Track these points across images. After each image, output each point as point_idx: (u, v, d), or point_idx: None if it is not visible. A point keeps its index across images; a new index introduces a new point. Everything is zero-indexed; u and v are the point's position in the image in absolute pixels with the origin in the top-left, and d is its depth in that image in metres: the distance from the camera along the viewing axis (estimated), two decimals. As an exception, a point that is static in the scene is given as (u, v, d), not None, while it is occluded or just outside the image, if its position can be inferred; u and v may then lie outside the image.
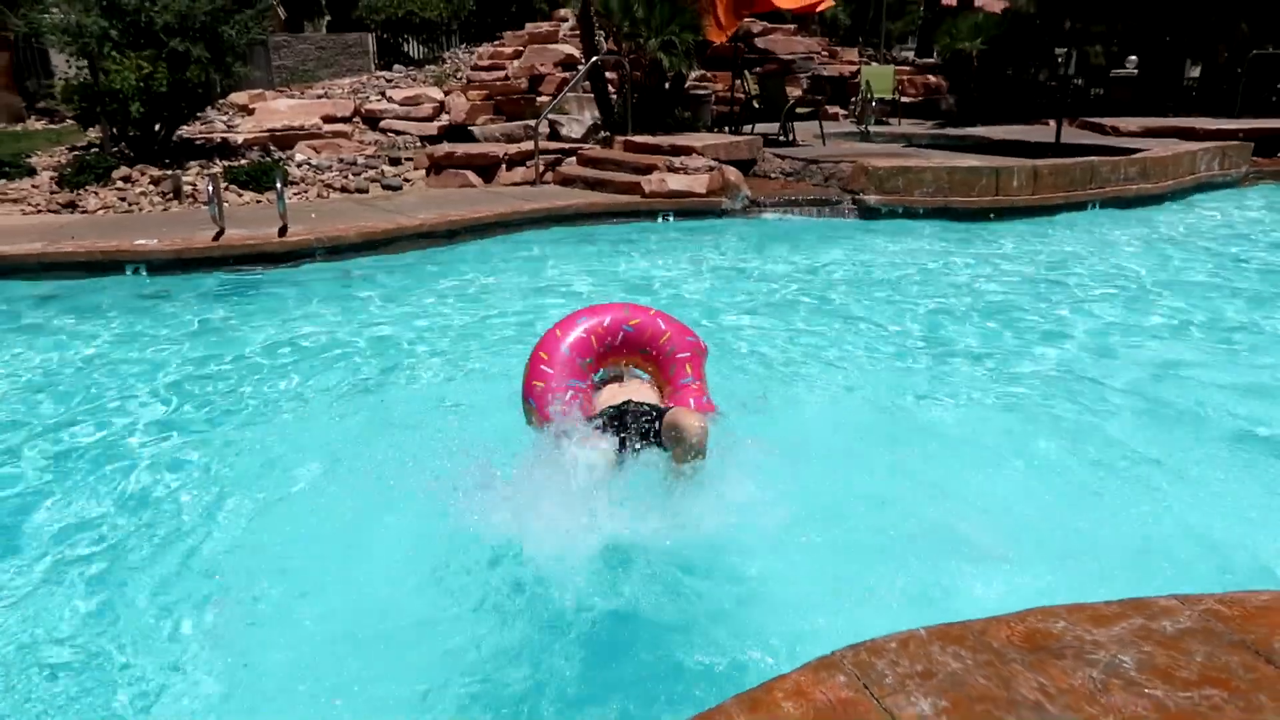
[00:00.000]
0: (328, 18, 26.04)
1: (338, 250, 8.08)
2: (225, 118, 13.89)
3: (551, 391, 3.52)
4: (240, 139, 12.42)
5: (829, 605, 2.80)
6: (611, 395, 3.66)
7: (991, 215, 10.00)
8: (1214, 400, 4.88)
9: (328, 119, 13.93)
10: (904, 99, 17.34)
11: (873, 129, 14.77)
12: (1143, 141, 12.83)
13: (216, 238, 7.90)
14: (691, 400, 3.71)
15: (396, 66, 17.42)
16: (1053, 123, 13.28)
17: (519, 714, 2.55)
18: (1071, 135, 13.68)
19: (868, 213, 10.06)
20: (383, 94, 15.24)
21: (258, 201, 10.03)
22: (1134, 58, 20.34)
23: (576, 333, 3.70)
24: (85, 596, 3.16)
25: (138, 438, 4.51)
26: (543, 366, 3.58)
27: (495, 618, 2.84)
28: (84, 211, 9.53)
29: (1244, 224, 10.09)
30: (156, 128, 11.06)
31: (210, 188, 7.87)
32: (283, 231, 8.06)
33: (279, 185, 8.15)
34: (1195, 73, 22.24)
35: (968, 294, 7.21)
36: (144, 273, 7.61)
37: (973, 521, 3.39)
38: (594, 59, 12.28)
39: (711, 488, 3.21)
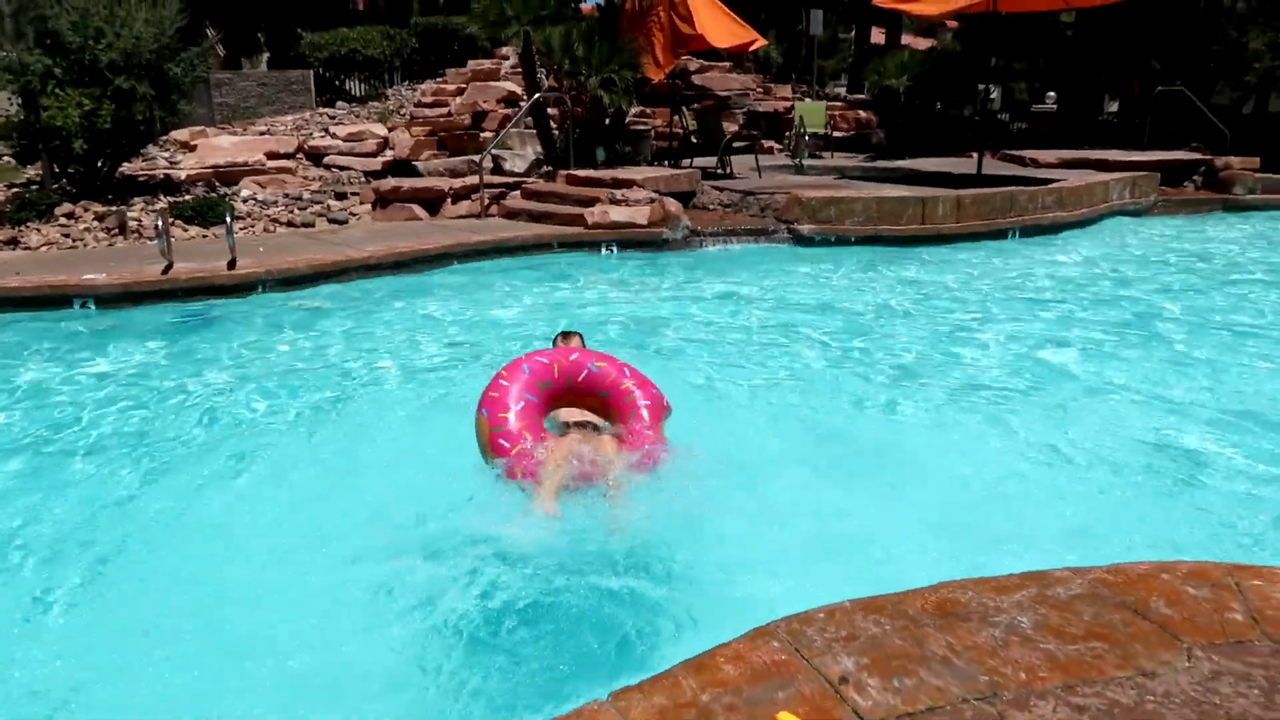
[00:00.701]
0: (266, 54, 26.09)
1: (288, 282, 8.20)
2: (167, 154, 13.89)
3: (504, 406, 3.72)
4: (183, 175, 12.45)
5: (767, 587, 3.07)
6: (567, 444, 3.70)
7: (918, 242, 10.51)
8: (1114, 401, 5.29)
9: (271, 155, 13.99)
10: (836, 133, 17.97)
11: (806, 162, 15.29)
12: (1059, 172, 13.52)
13: (165, 271, 7.97)
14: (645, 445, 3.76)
15: (340, 103, 17.56)
16: (975, 155, 13.93)
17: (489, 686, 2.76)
18: (993, 167, 14.35)
19: (802, 241, 10.48)
20: (326, 130, 15.38)
21: (204, 236, 10.09)
22: (1053, 94, 21.37)
23: (540, 359, 3.92)
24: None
25: (87, 466, 4.61)
26: (501, 381, 3.78)
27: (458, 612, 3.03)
28: (26, 248, 9.50)
29: (1147, 246, 10.74)
30: (100, 164, 11.06)
31: (159, 222, 7.95)
32: (232, 264, 8.16)
33: (228, 219, 8.27)
34: (1115, 107, 23.42)
35: (893, 313, 7.62)
36: (92, 307, 7.65)
37: (900, 511, 3.70)
38: (536, 95, 12.59)
39: (657, 494, 3.48)
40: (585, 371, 3.97)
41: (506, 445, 3.61)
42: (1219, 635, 2.39)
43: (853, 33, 30.00)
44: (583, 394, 3.98)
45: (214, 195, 11.35)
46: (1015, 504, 3.97)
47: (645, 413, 3.92)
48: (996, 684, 2.19)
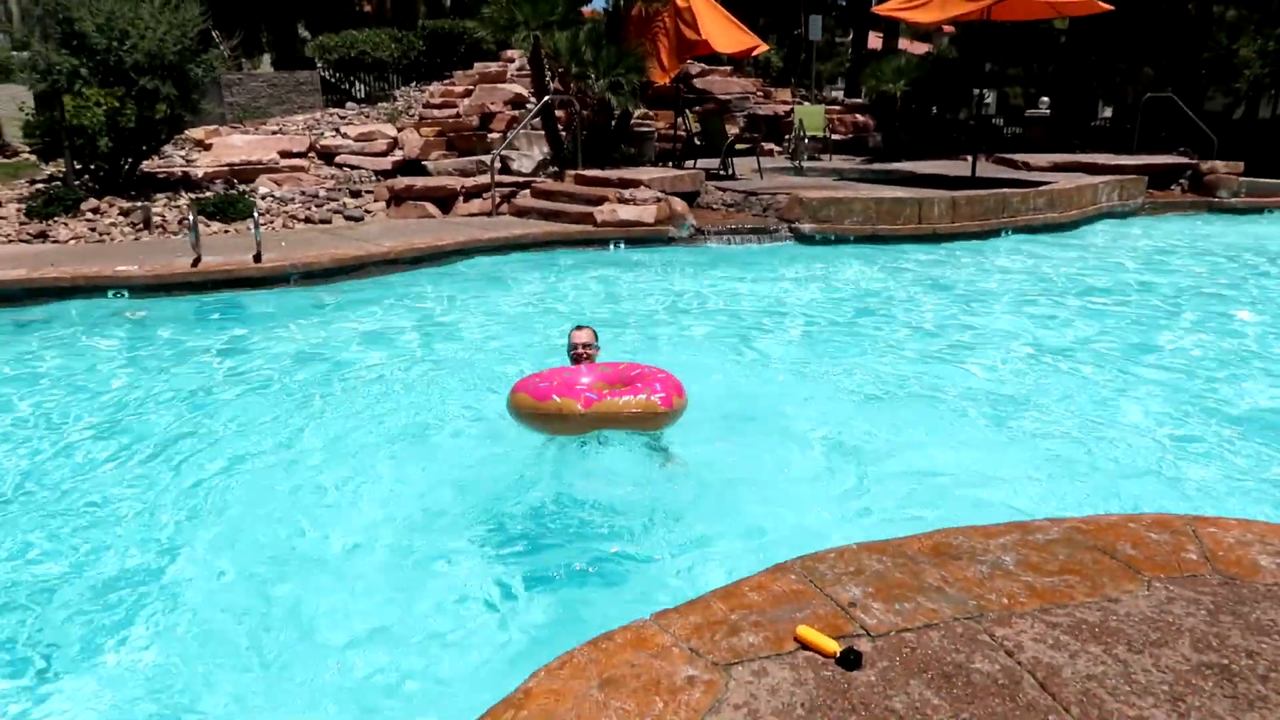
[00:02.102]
0: (269, 55, 26.42)
1: (311, 275, 8.55)
2: (183, 152, 14.20)
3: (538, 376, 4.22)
4: (200, 173, 12.78)
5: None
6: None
7: (914, 240, 10.89)
8: (1101, 380, 5.67)
9: (284, 154, 14.32)
10: (834, 136, 18.35)
11: (806, 164, 15.67)
12: (1051, 175, 13.92)
13: (195, 264, 8.32)
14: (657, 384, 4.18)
15: (349, 104, 17.89)
16: (970, 158, 14.31)
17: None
18: (987, 170, 14.75)
19: (803, 239, 10.86)
20: (337, 130, 15.69)
21: (226, 231, 10.44)
22: (1046, 99, 21.76)
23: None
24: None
25: (141, 449, 4.95)
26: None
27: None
28: (55, 241, 9.84)
29: (1132, 246, 11.16)
30: (122, 161, 11.40)
31: (190, 217, 8.30)
32: (258, 258, 8.52)
33: (255, 215, 8.63)
34: (1109, 112, 23.85)
35: (891, 304, 8.01)
36: (126, 296, 8.00)
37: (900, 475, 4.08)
38: (546, 98, 12.95)
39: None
40: (617, 369, 4.38)
41: (542, 385, 4.06)
42: (1175, 571, 2.76)
43: (850, 38, 30.42)
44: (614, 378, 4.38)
45: (234, 192, 11.69)
46: (992, 474, 4.37)
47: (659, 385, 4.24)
48: (982, 608, 2.56)
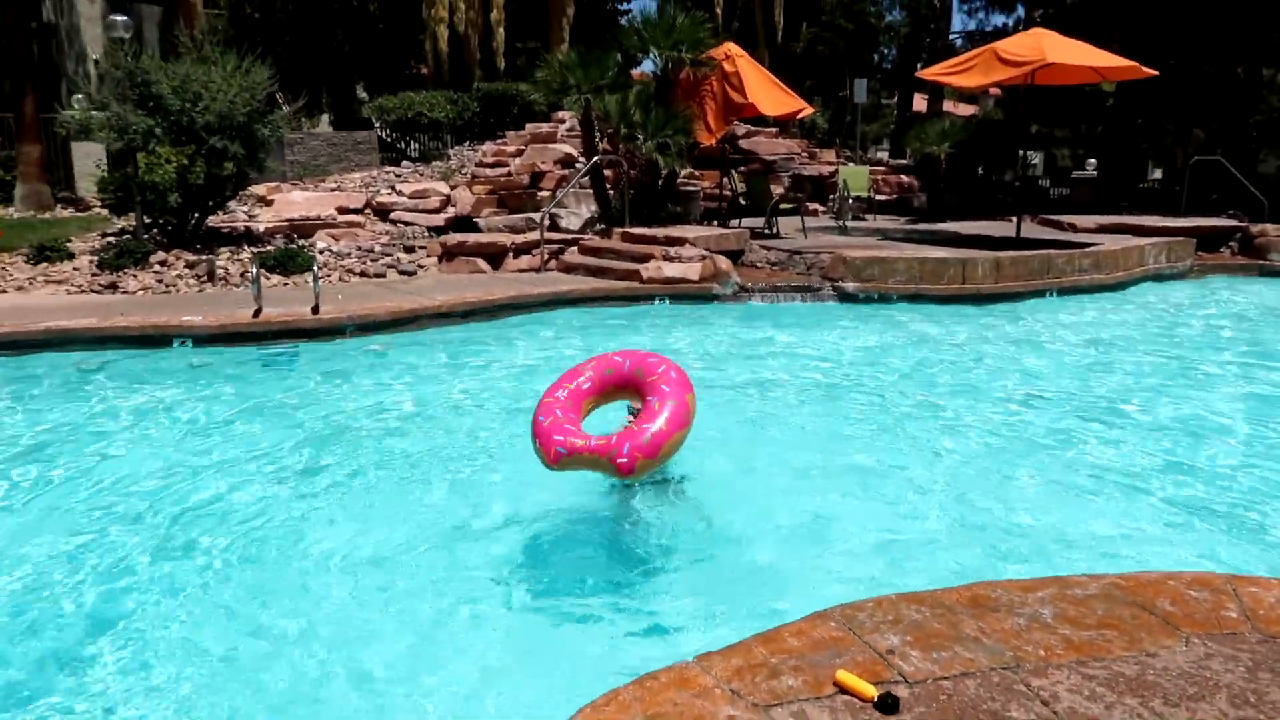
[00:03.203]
0: (327, 115, 27.43)
1: (366, 328, 8.83)
2: (245, 208, 14.79)
3: (551, 394, 4.30)
4: (262, 227, 13.29)
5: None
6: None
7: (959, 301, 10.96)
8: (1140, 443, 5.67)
9: (341, 210, 14.84)
10: (879, 197, 18.52)
11: (850, 224, 15.83)
12: (1097, 237, 13.91)
13: (256, 315, 8.64)
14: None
15: (404, 162, 18.49)
16: (1015, 219, 14.37)
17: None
18: (1032, 231, 14.79)
19: (847, 298, 10.96)
20: (392, 188, 16.22)
21: (285, 284, 10.81)
22: (1093, 161, 21.80)
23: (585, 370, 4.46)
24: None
25: (213, 486, 5.17)
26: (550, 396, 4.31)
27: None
28: (125, 292, 10.27)
29: (1179, 310, 11.10)
30: (189, 216, 11.91)
31: (254, 269, 8.66)
32: (316, 310, 8.82)
33: (315, 268, 8.97)
34: (1158, 174, 23.81)
35: (934, 364, 8.06)
36: (190, 345, 8.32)
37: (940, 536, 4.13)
38: (596, 158, 13.30)
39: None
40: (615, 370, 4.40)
41: (540, 419, 4.16)
42: (1214, 628, 2.79)
43: (895, 100, 30.79)
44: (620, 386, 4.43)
45: (293, 246, 12.11)
46: (1029, 530, 4.41)
47: (665, 387, 4.22)
48: (1019, 658, 2.61)
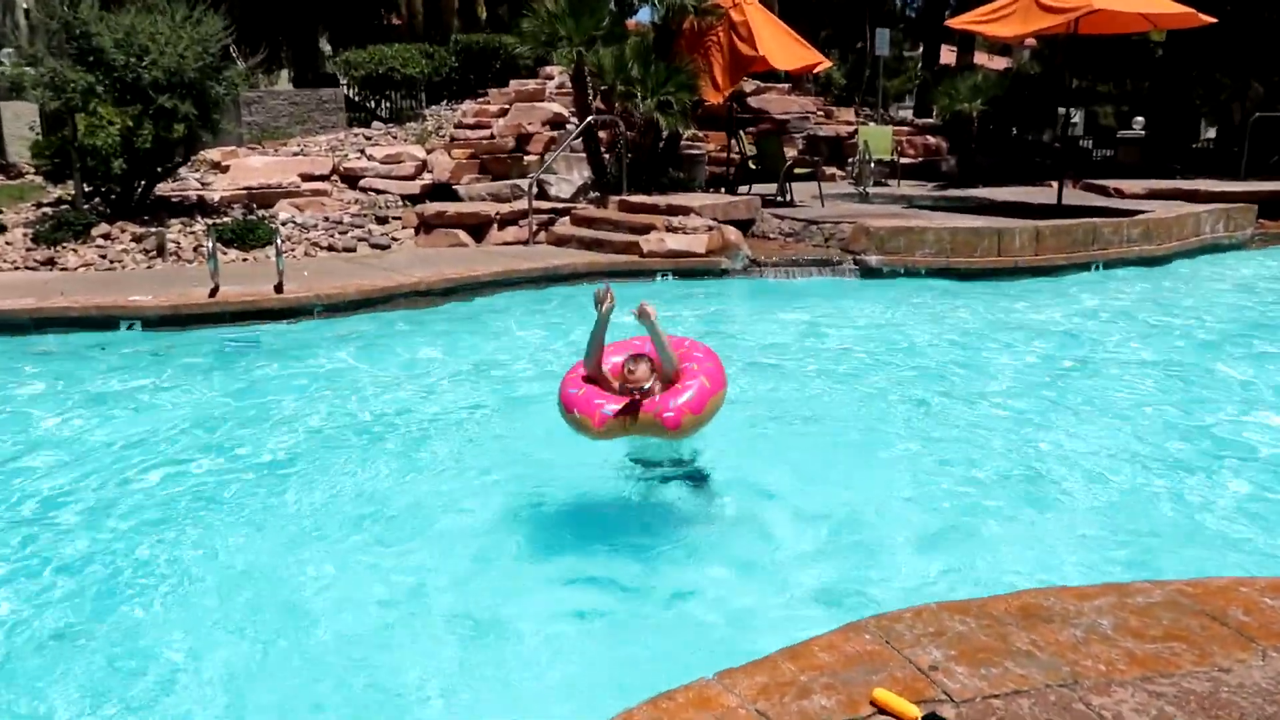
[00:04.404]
0: (287, 72, 27.20)
1: (336, 308, 8.80)
2: (198, 175, 14.67)
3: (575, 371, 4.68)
4: (217, 196, 13.19)
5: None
6: None
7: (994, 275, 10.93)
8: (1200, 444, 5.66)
9: (305, 177, 14.72)
10: (903, 160, 18.45)
11: (871, 190, 15.77)
12: (1146, 204, 13.89)
13: (212, 294, 8.59)
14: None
15: (375, 124, 18.35)
16: (1055, 184, 14.32)
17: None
18: (1074, 197, 14.75)
19: (869, 273, 10.93)
20: (362, 152, 16.10)
21: (244, 259, 10.76)
22: (1141, 119, 21.70)
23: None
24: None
25: (148, 490, 5.13)
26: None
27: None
28: (64, 269, 10.21)
29: (1239, 282, 11.07)
30: (136, 185, 11.82)
31: (209, 243, 8.60)
32: (279, 288, 8.78)
33: (277, 242, 8.91)
34: (1212, 133, 23.70)
35: (969, 344, 8.06)
36: (139, 328, 8.27)
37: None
38: (590, 119, 13.22)
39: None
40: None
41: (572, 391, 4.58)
42: (1293, 639, 2.77)
43: (921, 53, 30.63)
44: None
45: (252, 218, 12.04)
46: (1084, 532, 4.40)
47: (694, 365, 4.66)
48: (1077, 674, 2.59)
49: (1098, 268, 11.43)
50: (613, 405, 4.38)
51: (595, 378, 4.67)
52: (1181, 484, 5.10)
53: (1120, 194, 15.27)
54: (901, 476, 5.15)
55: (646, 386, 4.39)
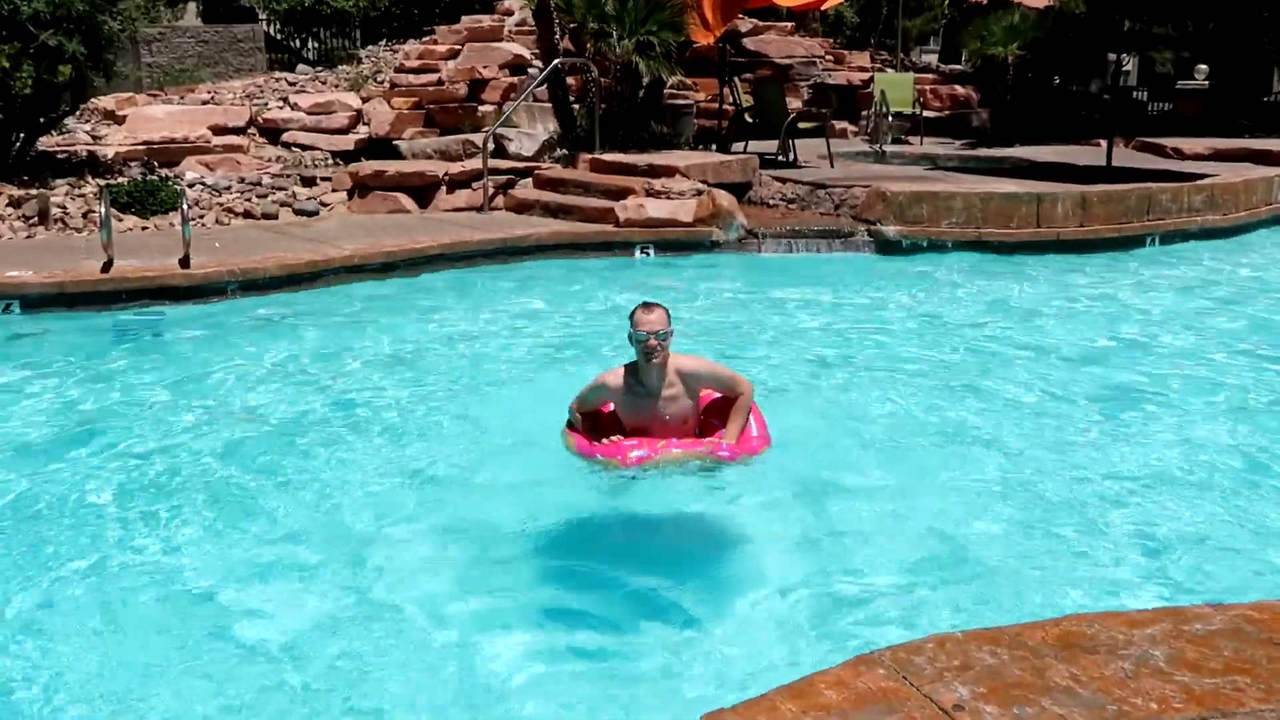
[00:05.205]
0: (194, 4, 26.96)
1: (254, 285, 8.78)
2: (88, 126, 14.57)
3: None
4: (111, 153, 13.12)
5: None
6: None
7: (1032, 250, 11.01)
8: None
9: (217, 130, 14.66)
10: (926, 113, 18.50)
11: (889, 149, 15.82)
12: (1211, 166, 14.03)
13: (106, 269, 8.54)
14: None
15: (301, 67, 18.28)
16: (1104, 143, 14.42)
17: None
18: (1126, 158, 14.87)
19: (886, 246, 10.98)
20: (285, 100, 16.05)
21: (143, 228, 10.71)
22: (1204, 67, 21.84)
23: None
24: None
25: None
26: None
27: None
28: (-74, 238, 10.13)
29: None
30: (14, 138, 11.73)
31: (102, 208, 8.54)
32: (185, 262, 8.74)
33: (183, 206, 8.87)
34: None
35: (1007, 333, 8.13)
36: (17, 310, 8.21)
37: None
38: (556, 62, 13.19)
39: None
40: None
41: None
42: (1376, 672, 2.81)
43: (947, -14, 30.71)
44: None
45: (154, 178, 11.97)
46: (1134, 548, 4.48)
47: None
48: (1125, 713, 2.62)
49: (1153, 241, 11.53)
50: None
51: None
52: (1251, 495, 5.17)
53: (1180, 154, 15.40)
54: (922, 487, 5.17)
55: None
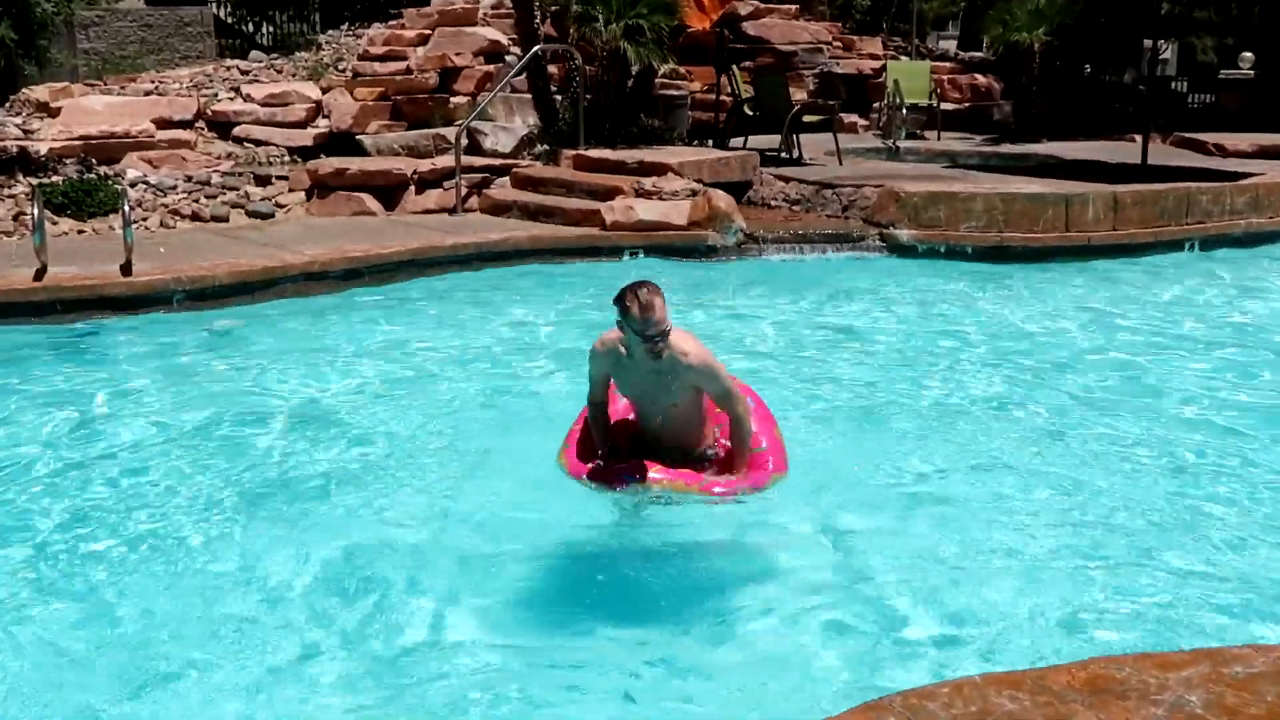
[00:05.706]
0: (140, -16, 27.07)
1: (202, 295, 8.79)
2: (19, 119, 14.57)
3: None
4: (44, 148, 13.11)
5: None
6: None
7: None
8: None
9: (162, 123, 14.67)
10: (944, 105, 18.59)
11: (903, 144, 15.89)
12: (1255, 164, 14.11)
13: (39, 277, 8.55)
14: None
15: (254, 54, 18.30)
16: (1139, 139, 14.50)
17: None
18: (1163, 155, 14.95)
19: (900, 251, 11.02)
20: (236, 90, 16.06)
21: (80, 231, 10.72)
22: (1249, 55, 21.96)
23: None
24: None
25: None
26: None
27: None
28: None
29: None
30: (-64, 133, 11.75)
31: (34, 210, 8.56)
32: (127, 269, 8.75)
33: (124, 208, 8.89)
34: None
35: (1036, 350, 8.20)
36: (-61, 323, 8.22)
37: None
38: (536, 48, 13.24)
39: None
40: None
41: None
42: None
43: (967, -34, 30.90)
44: None
45: (92, 176, 11.98)
46: (1171, 585, 4.52)
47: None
48: (1159, 765, 2.66)
49: (1193, 246, 11.59)
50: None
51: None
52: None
53: (1222, 151, 15.49)
54: (938, 518, 5.20)
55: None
